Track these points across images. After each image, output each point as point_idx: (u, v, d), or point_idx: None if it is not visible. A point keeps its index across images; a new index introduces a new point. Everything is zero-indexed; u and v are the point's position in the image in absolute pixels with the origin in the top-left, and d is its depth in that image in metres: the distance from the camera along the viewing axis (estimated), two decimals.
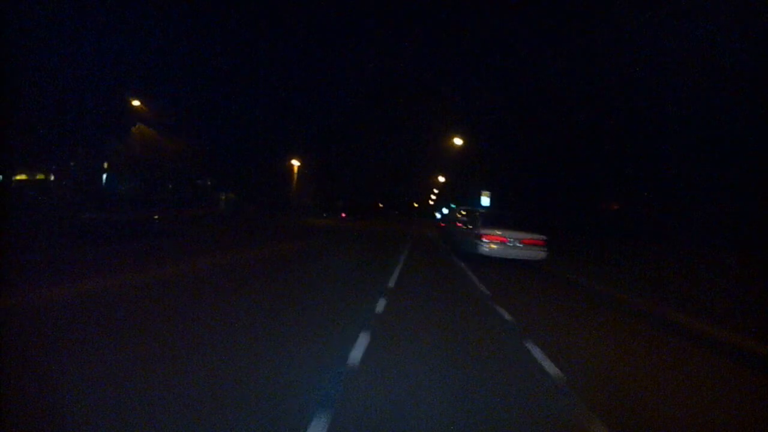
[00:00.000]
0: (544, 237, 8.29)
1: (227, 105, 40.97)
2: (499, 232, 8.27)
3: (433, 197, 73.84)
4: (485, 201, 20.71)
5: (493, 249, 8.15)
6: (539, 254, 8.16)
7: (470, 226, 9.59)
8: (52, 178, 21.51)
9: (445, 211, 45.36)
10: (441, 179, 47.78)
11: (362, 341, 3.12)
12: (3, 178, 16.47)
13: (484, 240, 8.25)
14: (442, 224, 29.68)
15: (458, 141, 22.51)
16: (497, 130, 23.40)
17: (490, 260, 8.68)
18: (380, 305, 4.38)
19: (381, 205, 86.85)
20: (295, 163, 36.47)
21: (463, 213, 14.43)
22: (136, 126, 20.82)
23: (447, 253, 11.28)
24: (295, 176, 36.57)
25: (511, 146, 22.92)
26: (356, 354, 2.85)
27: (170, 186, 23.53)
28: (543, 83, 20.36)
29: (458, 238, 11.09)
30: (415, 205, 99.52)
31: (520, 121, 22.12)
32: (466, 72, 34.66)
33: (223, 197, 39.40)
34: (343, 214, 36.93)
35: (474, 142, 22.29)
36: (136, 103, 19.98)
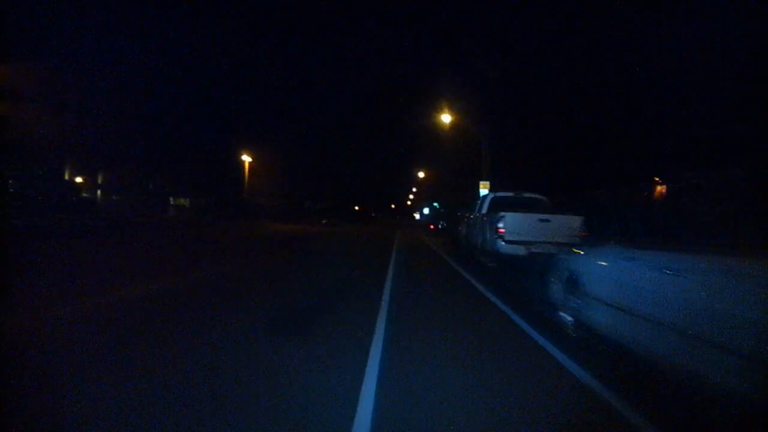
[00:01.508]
0: None
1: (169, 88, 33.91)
2: None
3: (411, 197, 68.64)
4: (484, 193, 15.15)
5: None
6: None
7: None
8: None
9: (426, 210, 40.09)
10: (421, 174, 42.35)
11: None
12: None
13: None
14: (432, 226, 23.89)
15: (447, 118, 17.04)
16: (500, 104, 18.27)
17: None
18: None
19: (357, 208, 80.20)
20: (246, 158, 29.88)
21: (494, 203, 7.93)
22: None
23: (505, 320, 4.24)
24: (247, 174, 29.98)
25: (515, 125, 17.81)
26: None
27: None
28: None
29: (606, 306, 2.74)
30: (393, 206, 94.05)
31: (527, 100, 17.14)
32: (462, 69, 29.61)
33: (172, 201, 33.01)
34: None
35: (470, 122, 16.89)
36: None
